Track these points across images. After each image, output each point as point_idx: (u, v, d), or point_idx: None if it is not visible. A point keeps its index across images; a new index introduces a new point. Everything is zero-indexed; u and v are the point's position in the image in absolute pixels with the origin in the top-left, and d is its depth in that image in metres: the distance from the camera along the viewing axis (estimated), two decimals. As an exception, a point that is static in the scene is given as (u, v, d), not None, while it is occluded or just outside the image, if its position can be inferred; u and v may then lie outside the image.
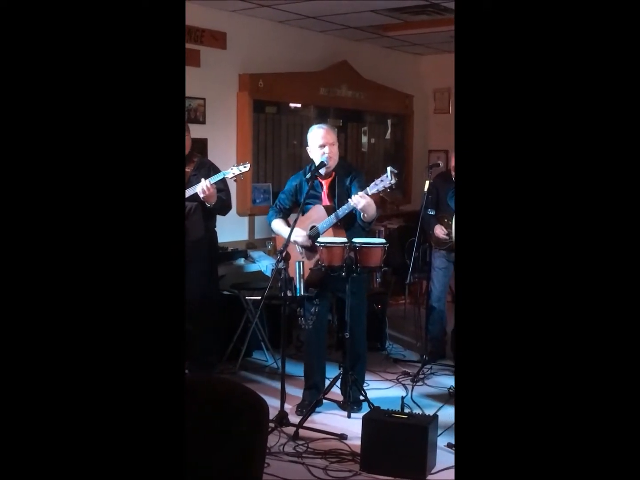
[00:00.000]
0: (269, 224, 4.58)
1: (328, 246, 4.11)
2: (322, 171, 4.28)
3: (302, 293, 4.02)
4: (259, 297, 4.77)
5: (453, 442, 3.73)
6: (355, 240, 4.13)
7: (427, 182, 5.01)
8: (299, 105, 6.67)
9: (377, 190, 4.02)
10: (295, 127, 6.69)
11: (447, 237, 5.15)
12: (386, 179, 3.99)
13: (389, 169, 4.00)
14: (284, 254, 3.92)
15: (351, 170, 4.41)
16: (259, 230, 6.25)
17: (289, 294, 3.96)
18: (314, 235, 4.26)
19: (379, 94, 7.25)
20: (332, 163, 4.28)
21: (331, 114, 7.02)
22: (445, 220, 5.19)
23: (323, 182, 4.35)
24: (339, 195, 4.28)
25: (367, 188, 4.02)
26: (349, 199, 4.05)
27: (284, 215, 4.51)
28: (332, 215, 4.18)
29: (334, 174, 4.33)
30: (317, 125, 4.40)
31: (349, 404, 4.26)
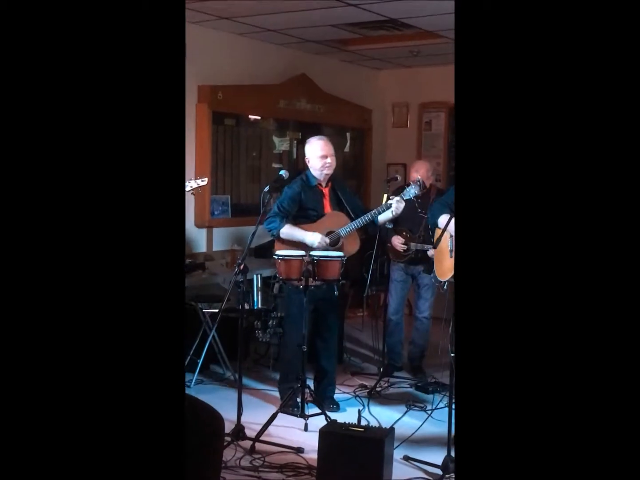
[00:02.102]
0: (274, 231, 4.46)
1: (286, 259, 4.13)
2: (322, 180, 4.57)
3: (259, 306, 4.01)
4: (217, 310, 4.75)
5: (409, 454, 3.76)
6: (313, 253, 4.16)
7: (385, 196, 5.04)
8: (258, 117, 6.68)
9: (410, 196, 4.47)
10: (254, 139, 6.69)
11: (405, 247, 5.20)
12: (416, 187, 4.44)
13: (419, 177, 4.75)
14: (241, 266, 3.92)
15: (337, 176, 4.77)
16: (217, 242, 6.22)
17: (246, 306, 3.95)
18: (333, 240, 4.47)
19: (338, 107, 7.29)
20: (332, 171, 4.58)
21: (290, 127, 7.04)
22: (404, 233, 5.24)
23: (324, 190, 4.59)
24: (347, 200, 4.62)
25: (402, 194, 4.45)
26: (390, 203, 4.39)
27: (289, 220, 4.52)
28: (358, 220, 4.46)
29: (330, 182, 4.62)
30: (317, 137, 4.69)
31: (326, 405, 4.40)
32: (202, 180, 4.53)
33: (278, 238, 4.48)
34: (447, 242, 4.01)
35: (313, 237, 4.39)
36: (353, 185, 7.84)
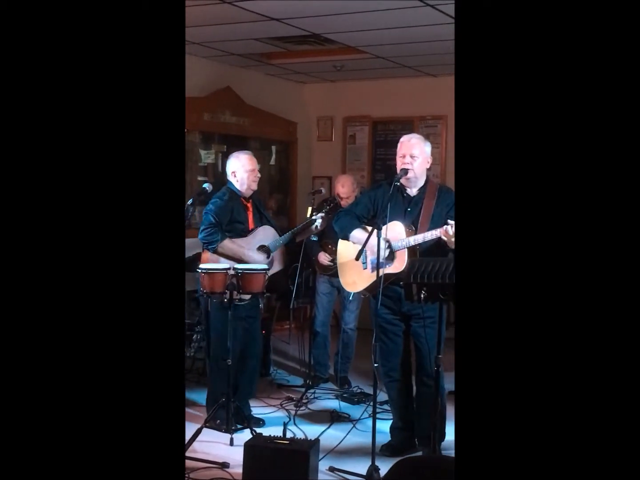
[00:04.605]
0: (214, 244, 4.30)
1: (210, 272, 4.11)
2: (247, 194, 4.53)
3: (186, 320, 3.98)
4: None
5: (335, 465, 3.78)
6: (237, 266, 4.15)
7: (310, 208, 5.09)
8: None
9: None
10: (179, 152, 6.63)
11: (332, 264, 5.24)
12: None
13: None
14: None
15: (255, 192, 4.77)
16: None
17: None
18: (266, 252, 4.53)
19: (263, 120, 7.30)
20: (257, 186, 4.60)
21: (215, 140, 7.02)
22: (330, 246, 5.27)
23: (247, 204, 4.58)
24: (266, 217, 4.70)
25: (324, 211, 4.78)
26: (315, 219, 4.63)
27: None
28: (286, 235, 4.61)
29: (250, 197, 4.61)
30: (242, 152, 4.67)
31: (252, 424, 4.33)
32: None
33: (214, 251, 4.34)
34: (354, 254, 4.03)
35: (256, 257, 4.44)
36: (279, 198, 7.86)
